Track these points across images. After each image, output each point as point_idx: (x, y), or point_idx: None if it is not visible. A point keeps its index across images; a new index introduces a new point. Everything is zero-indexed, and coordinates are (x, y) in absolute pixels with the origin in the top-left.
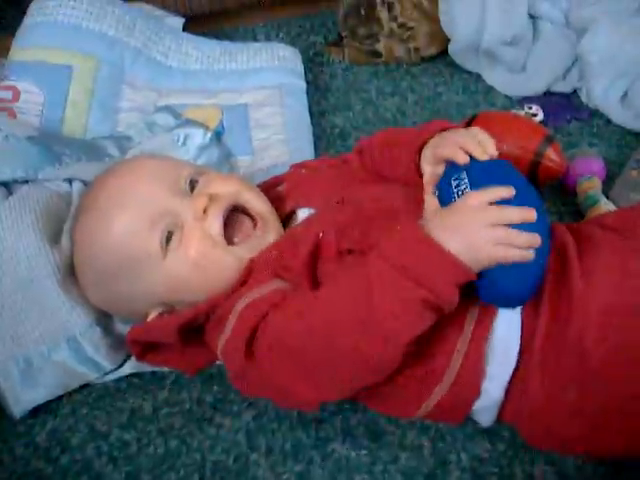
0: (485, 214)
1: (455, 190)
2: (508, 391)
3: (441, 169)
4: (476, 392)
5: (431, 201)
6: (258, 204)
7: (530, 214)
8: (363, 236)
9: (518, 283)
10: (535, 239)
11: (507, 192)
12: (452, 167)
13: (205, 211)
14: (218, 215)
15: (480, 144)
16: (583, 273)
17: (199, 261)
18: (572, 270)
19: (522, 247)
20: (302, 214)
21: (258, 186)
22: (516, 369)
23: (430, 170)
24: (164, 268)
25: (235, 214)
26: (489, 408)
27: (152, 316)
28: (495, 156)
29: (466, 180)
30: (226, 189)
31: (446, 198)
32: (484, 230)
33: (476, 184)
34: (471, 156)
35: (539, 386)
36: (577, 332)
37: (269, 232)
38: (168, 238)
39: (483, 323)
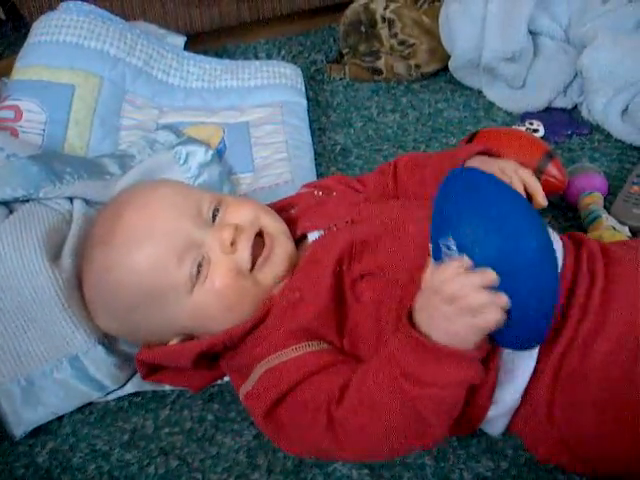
0: (444, 293)
1: (444, 252)
2: (523, 399)
3: None
4: (488, 401)
5: (428, 263)
6: (276, 228)
7: (488, 277)
8: (372, 256)
9: (523, 334)
10: (499, 298)
11: (484, 278)
12: (443, 223)
13: (233, 243)
14: (247, 247)
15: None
16: (603, 301)
17: (225, 292)
18: (594, 296)
19: (497, 306)
20: (312, 237)
21: (277, 203)
22: (533, 378)
23: None
24: (191, 301)
25: None
26: (503, 416)
27: (172, 342)
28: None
29: (454, 246)
30: (247, 217)
31: (436, 256)
32: (449, 310)
33: (464, 248)
34: (463, 211)
35: (550, 391)
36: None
37: (278, 247)
38: (197, 271)
39: None
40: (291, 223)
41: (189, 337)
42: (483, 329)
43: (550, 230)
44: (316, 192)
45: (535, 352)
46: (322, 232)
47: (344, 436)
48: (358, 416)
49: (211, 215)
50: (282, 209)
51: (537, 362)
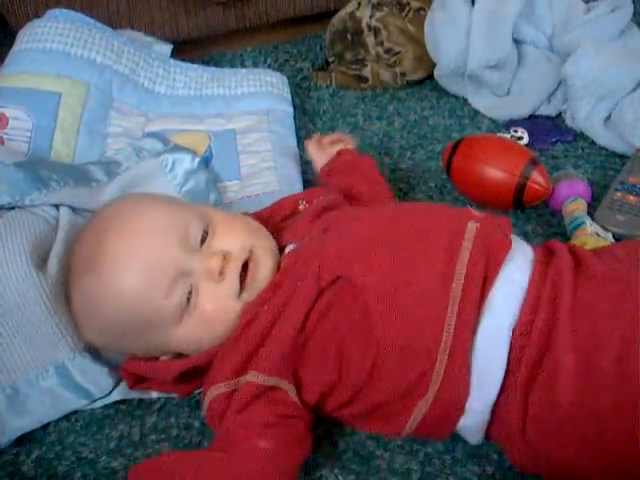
0: None
1: None
2: (494, 412)
3: None
4: (460, 408)
5: None
6: (265, 249)
7: None
8: (343, 263)
9: None
10: None
11: None
12: None
13: (221, 272)
14: (236, 276)
15: None
16: (574, 307)
17: (214, 318)
18: (563, 303)
19: None
20: (288, 249)
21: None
22: (502, 390)
23: None
24: (180, 329)
25: None
26: (475, 427)
27: (163, 359)
28: None
29: None
30: (237, 242)
31: None
32: None
33: None
34: None
35: (521, 410)
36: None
37: (263, 269)
38: (187, 300)
39: (462, 336)
40: (277, 233)
41: (178, 354)
42: None
43: (523, 242)
44: (300, 204)
45: (503, 363)
46: (296, 244)
47: None
48: None
49: (199, 240)
50: (269, 218)
51: (506, 376)
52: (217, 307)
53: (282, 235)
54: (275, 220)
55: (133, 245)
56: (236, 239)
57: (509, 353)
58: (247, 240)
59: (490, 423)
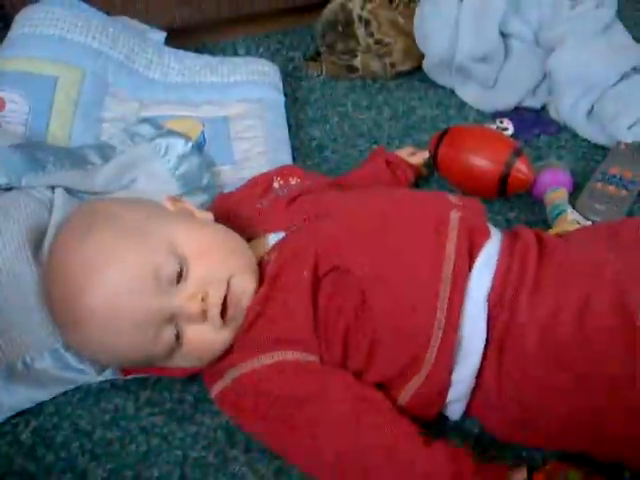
0: None
1: None
2: (475, 385)
3: None
4: (447, 383)
5: None
6: (244, 279)
7: None
8: (338, 252)
9: None
10: None
11: None
12: None
13: (202, 312)
14: (217, 316)
15: None
16: (535, 281)
17: (202, 351)
18: (526, 278)
19: None
20: (272, 240)
21: (238, 193)
22: (482, 364)
23: None
24: (172, 361)
25: None
26: (459, 397)
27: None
28: None
29: None
30: (213, 277)
31: None
32: None
33: None
34: None
35: (495, 369)
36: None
37: (244, 297)
38: (176, 338)
39: (453, 316)
40: (254, 219)
41: None
42: None
43: (491, 225)
44: (275, 182)
45: (483, 334)
46: (281, 234)
47: None
48: None
49: (174, 279)
50: (244, 199)
51: (485, 345)
52: (204, 344)
53: (260, 221)
54: (250, 200)
55: (109, 307)
56: (212, 272)
57: (487, 323)
58: (224, 271)
59: (471, 394)
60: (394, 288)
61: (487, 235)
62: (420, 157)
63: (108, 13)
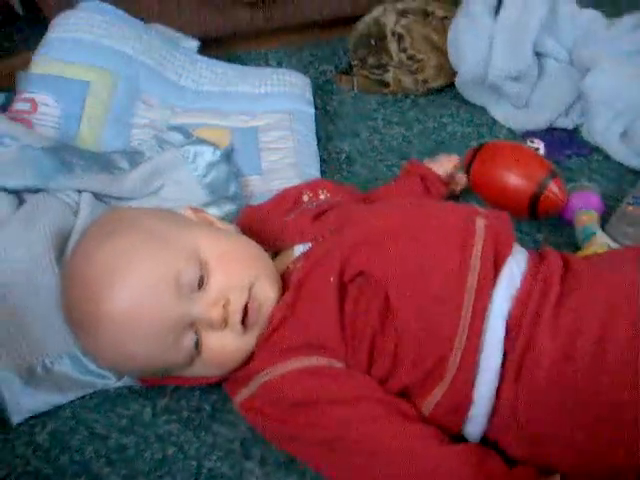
0: None
1: None
2: (493, 408)
3: None
4: (470, 392)
5: None
6: (265, 287)
7: None
8: (363, 258)
9: None
10: None
11: None
12: None
13: (224, 320)
14: (238, 324)
15: None
16: (556, 306)
17: (223, 359)
18: (547, 303)
19: None
20: (298, 251)
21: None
22: (500, 386)
23: None
24: (192, 369)
25: None
26: (477, 418)
27: None
28: None
29: None
30: (235, 284)
31: None
32: None
33: None
34: None
35: (512, 390)
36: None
37: (265, 306)
38: (195, 345)
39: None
40: (280, 232)
41: None
42: None
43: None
44: (304, 195)
45: (500, 352)
46: (307, 246)
47: None
48: None
49: (196, 285)
50: (272, 211)
51: (502, 366)
52: (224, 351)
53: (287, 233)
54: (279, 213)
55: (129, 312)
56: (234, 279)
57: (504, 339)
58: (245, 278)
59: (491, 414)
60: (419, 291)
61: (511, 245)
62: (453, 162)
63: (143, 20)
